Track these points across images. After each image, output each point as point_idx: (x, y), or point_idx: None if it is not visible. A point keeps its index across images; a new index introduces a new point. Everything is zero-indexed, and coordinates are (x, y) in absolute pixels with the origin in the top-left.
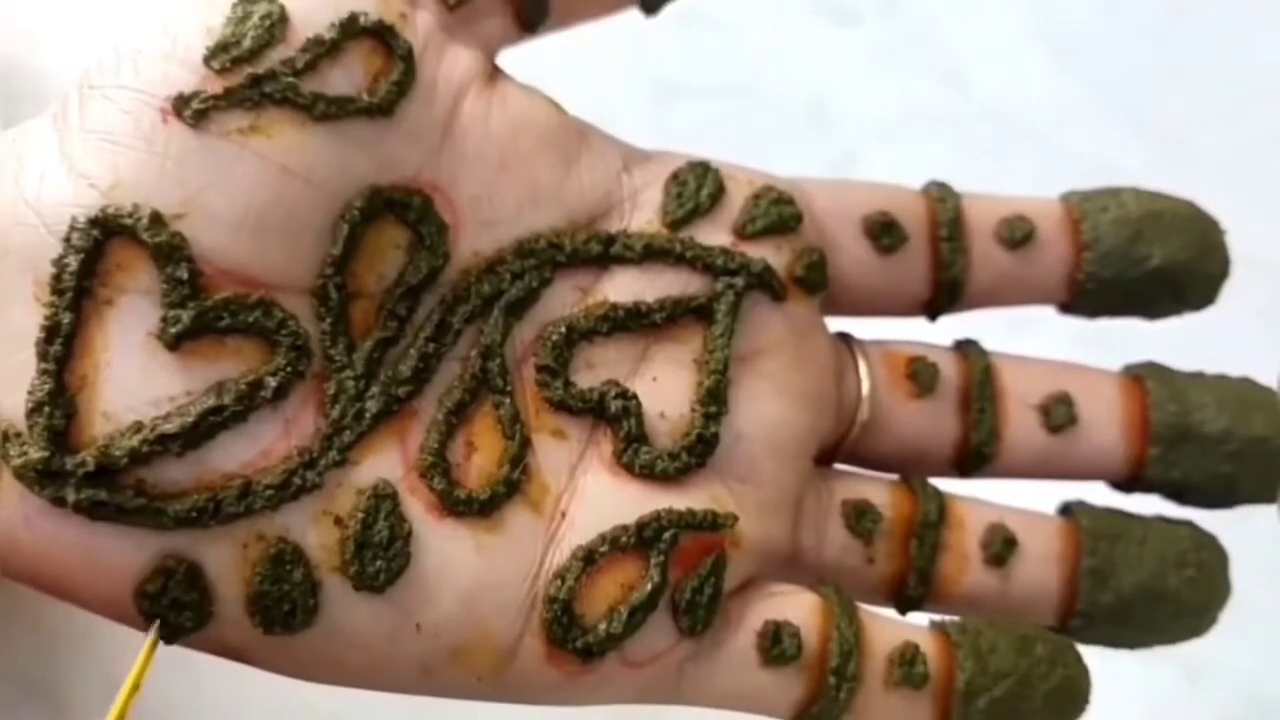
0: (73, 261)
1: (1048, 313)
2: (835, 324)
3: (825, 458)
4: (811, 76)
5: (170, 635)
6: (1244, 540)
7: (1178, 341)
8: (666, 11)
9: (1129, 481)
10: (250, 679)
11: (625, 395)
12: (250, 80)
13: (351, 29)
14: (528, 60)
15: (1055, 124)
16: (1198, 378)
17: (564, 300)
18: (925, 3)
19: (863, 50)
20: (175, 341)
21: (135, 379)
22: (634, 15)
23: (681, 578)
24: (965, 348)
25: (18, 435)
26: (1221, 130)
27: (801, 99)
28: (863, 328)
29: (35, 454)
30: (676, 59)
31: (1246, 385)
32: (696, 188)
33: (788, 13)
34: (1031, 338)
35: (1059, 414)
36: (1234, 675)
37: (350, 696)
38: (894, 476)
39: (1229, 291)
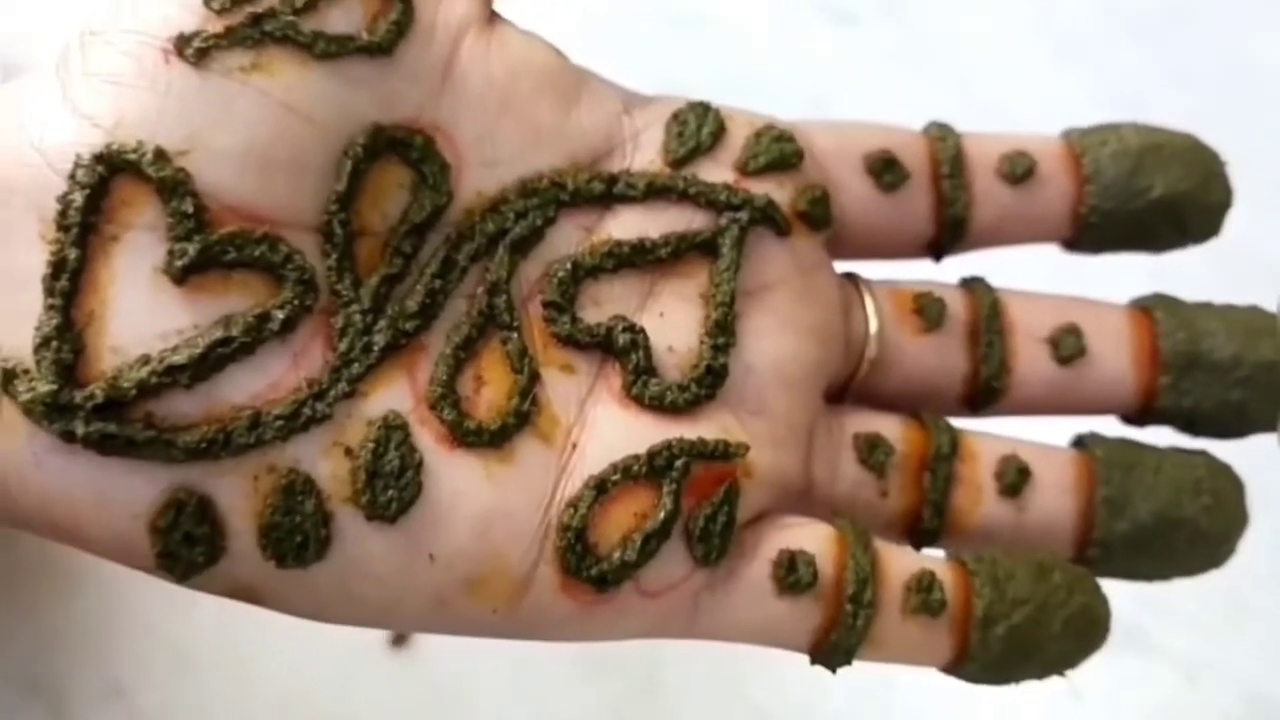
0: (78, 198)
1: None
2: (840, 268)
3: (835, 396)
4: (811, 76)
5: (183, 572)
6: (1243, 541)
7: None
8: (666, 11)
9: (1140, 413)
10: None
11: (633, 329)
12: (250, 19)
13: None
14: None
15: (1056, 124)
16: (1205, 306)
17: (569, 239)
18: (926, 3)
19: (863, 50)
20: (181, 275)
21: (142, 313)
22: (634, 15)
23: (694, 507)
24: (972, 284)
25: (25, 371)
26: (1221, 130)
27: (801, 99)
28: (869, 271)
29: (44, 388)
30: (676, 59)
31: (1253, 312)
32: (698, 126)
33: (788, 13)
34: None
35: (1068, 345)
36: (1234, 675)
37: (353, 696)
38: (905, 414)
39: (1232, 289)
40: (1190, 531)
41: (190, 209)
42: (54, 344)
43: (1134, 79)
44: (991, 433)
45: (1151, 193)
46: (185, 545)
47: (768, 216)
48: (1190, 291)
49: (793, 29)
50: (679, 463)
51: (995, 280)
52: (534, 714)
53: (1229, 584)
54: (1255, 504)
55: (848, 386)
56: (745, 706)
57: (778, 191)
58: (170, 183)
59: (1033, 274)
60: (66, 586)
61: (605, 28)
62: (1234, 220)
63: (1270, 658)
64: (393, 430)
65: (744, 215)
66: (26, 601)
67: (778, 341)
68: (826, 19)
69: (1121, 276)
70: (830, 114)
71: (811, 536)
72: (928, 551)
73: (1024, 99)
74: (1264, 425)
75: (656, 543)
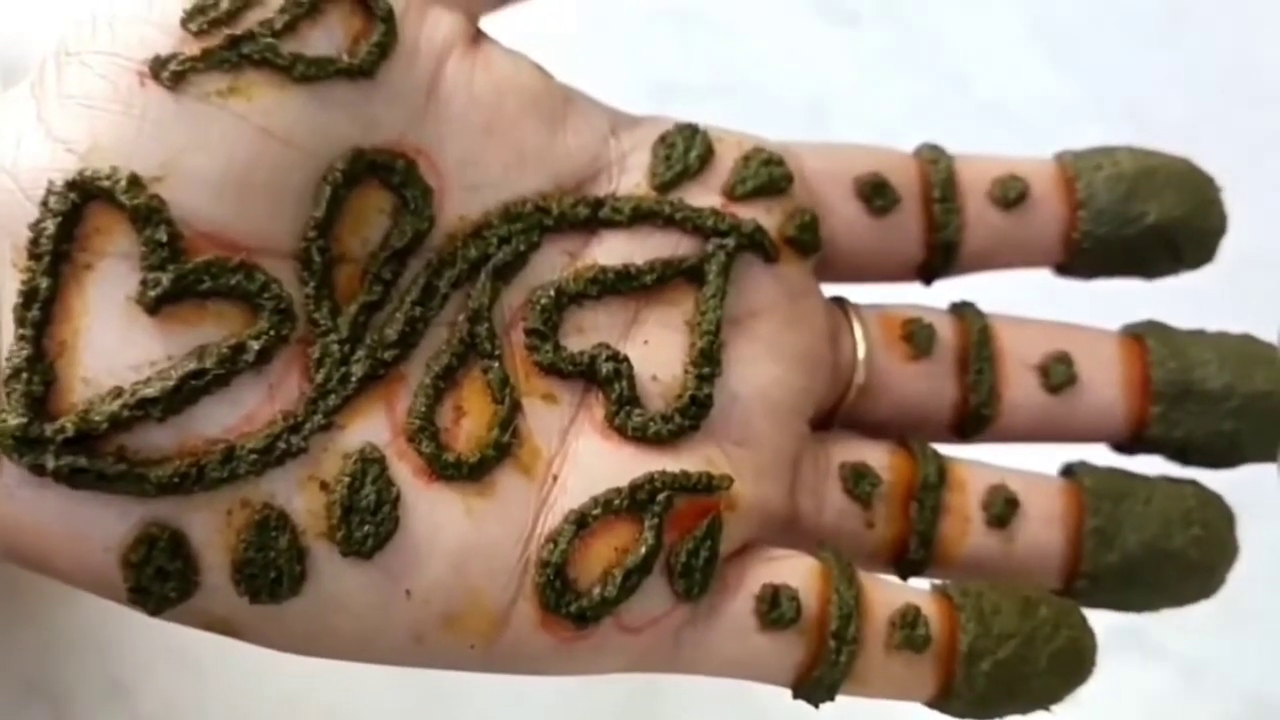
0: (50, 226)
1: (1042, 304)
2: (829, 290)
3: (822, 422)
4: (811, 76)
5: (155, 607)
6: (1243, 541)
7: None
8: (666, 11)
9: (1131, 442)
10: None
11: (616, 358)
12: (228, 41)
13: None
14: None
15: (1055, 124)
16: (1198, 335)
17: (552, 264)
18: (925, 3)
19: (862, 50)
20: (155, 305)
21: (115, 344)
22: (634, 15)
23: (676, 540)
24: (962, 309)
25: None
26: (1221, 130)
27: (801, 99)
28: (858, 295)
29: (13, 421)
30: (676, 59)
31: (1247, 341)
32: (685, 150)
33: (788, 13)
34: None
35: (1058, 373)
36: (1234, 675)
37: (353, 696)
38: (892, 441)
39: (1231, 290)
40: (1180, 563)
41: (164, 237)
42: (24, 375)
43: (1132, 79)
44: (980, 461)
45: (1146, 219)
46: (157, 580)
47: (755, 243)
48: (1187, 293)
49: (792, 29)
50: (661, 496)
51: (991, 287)
52: (534, 714)
53: (1229, 585)
54: (1254, 505)
55: (835, 412)
56: (747, 705)
57: (766, 216)
58: (144, 210)
59: (1031, 278)
60: (68, 588)
61: (605, 28)
62: (1232, 220)
63: (1270, 658)
64: (369, 464)
65: (731, 241)
66: (28, 603)
67: (764, 369)
68: (825, 19)
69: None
70: (829, 113)
71: (795, 570)
72: (914, 581)
73: (1022, 99)
74: (1257, 456)
75: (637, 578)
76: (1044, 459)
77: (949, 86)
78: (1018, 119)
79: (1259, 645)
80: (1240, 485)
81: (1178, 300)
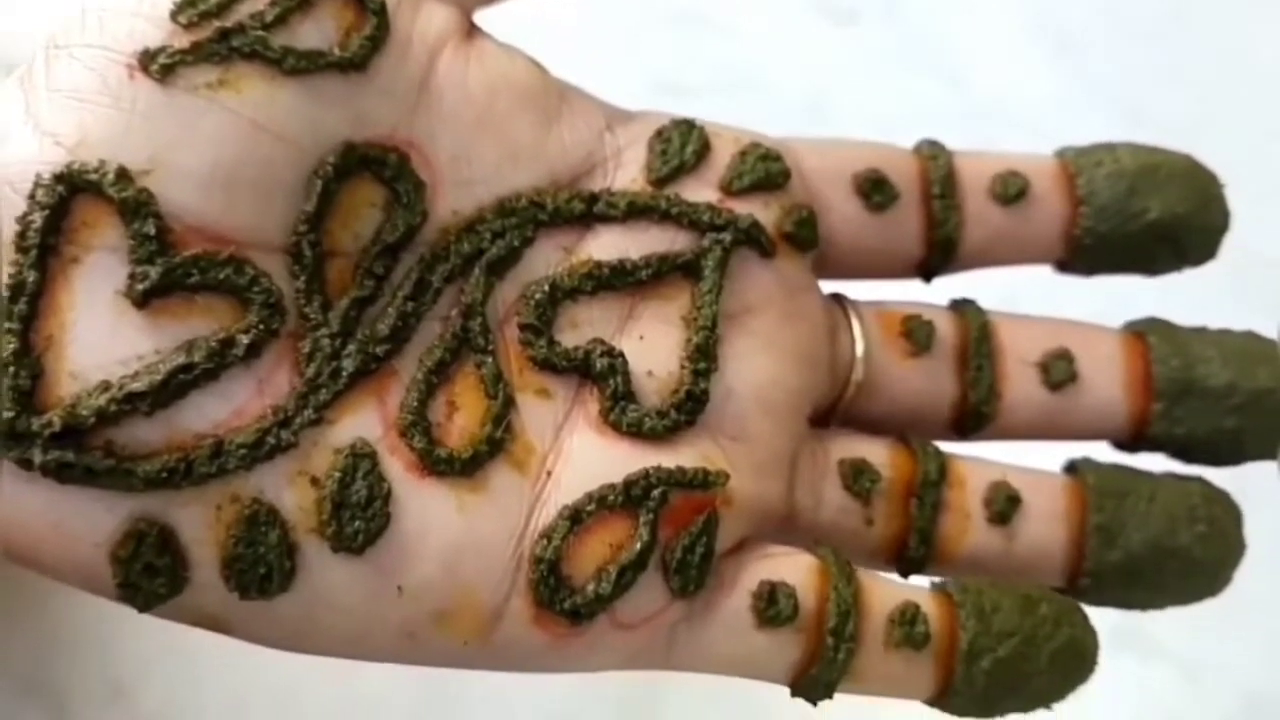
0: (37, 219)
1: (1044, 296)
2: (828, 288)
3: (821, 420)
4: (811, 76)
5: (144, 603)
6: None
7: None
8: (666, 11)
9: (1132, 440)
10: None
11: (611, 353)
12: (218, 34)
13: None
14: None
15: (1055, 124)
16: (1200, 332)
17: (547, 259)
18: (925, 2)
19: (863, 50)
20: (143, 299)
21: (103, 338)
22: (634, 15)
23: (672, 537)
24: (961, 306)
25: None
26: (1221, 130)
27: (801, 99)
28: (857, 291)
29: (0, 415)
30: (676, 59)
31: (1250, 338)
32: (681, 144)
33: (788, 13)
34: None
35: (1059, 371)
36: (1234, 675)
37: (354, 696)
38: (892, 438)
39: (1231, 289)
40: (1184, 561)
41: (153, 231)
42: (11, 369)
43: (1132, 78)
44: (981, 458)
45: (1147, 215)
46: (146, 576)
47: (752, 238)
48: (1187, 289)
49: (792, 28)
50: (656, 492)
51: (992, 279)
52: (535, 713)
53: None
54: (1254, 502)
55: (834, 410)
56: (748, 704)
57: (763, 212)
58: (132, 204)
59: (1035, 273)
60: (67, 587)
61: (605, 28)
62: (1233, 221)
63: (1270, 657)
64: (360, 459)
65: (727, 236)
66: (27, 602)
67: (761, 365)
68: (825, 18)
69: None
70: (829, 113)
71: (792, 567)
72: (913, 579)
73: (1022, 99)
74: (1259, 453)
75: (632, 575)
76: (1047, 457)
77: (949, 86)
78: (1018, 119)
79: (1259, 644)
80: (1239, 480)
81: (1177, 295)
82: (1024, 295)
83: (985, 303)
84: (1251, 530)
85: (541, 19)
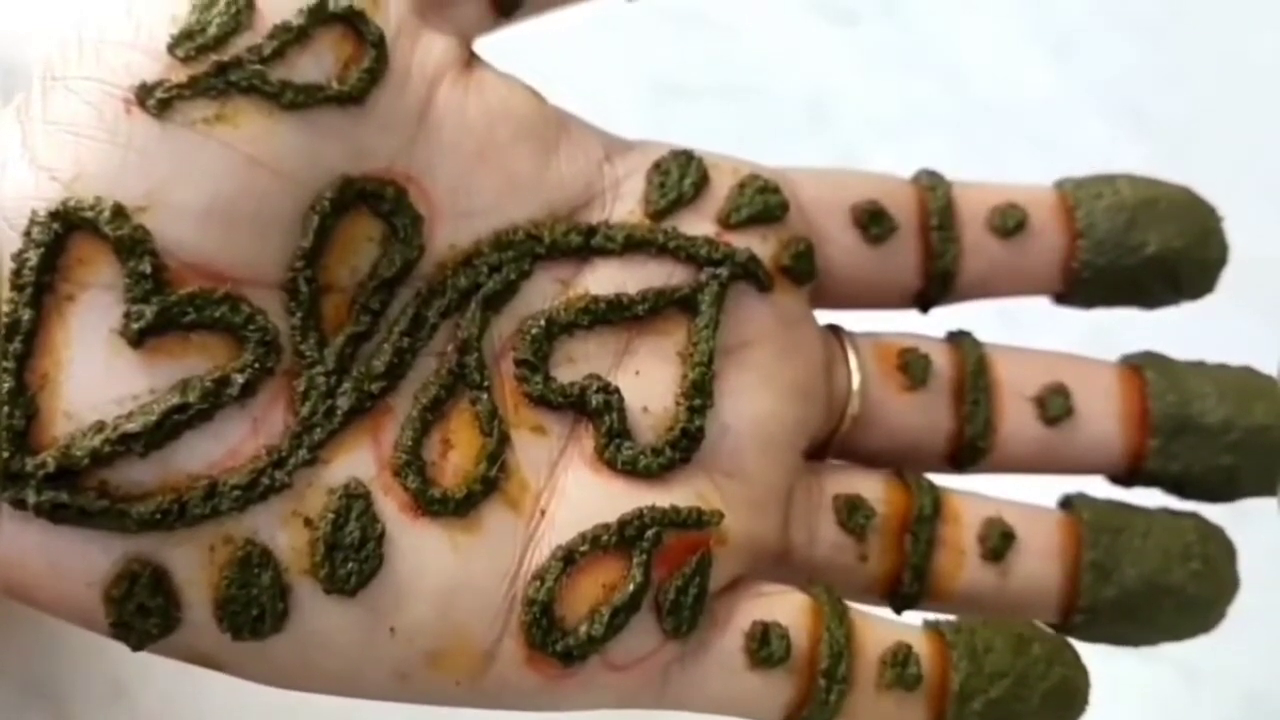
0: (33, 256)
1: (1044, 311)
2: (824, 317)
3: (816, 453)
4: (811, 76)
5: (137, 642)
6: (1243, 540)
7: (1177, 341)
8: (666, 11)
9: (1128, 475)
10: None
11: (607, 389)
12: (216, 68)
13: (320, 15)
14: (526, 60)
15: (1055, 124)
16: (1197, 367)
17: (544, 293)
18: (925, 2)
19: (863, 50)
20: (139, 338)
21: (98, 377)
22: (634, 15)
23: (665, 577)
24: (958, 339)
25: None
26: (1221, 130)
27: (801, 99)
28: (853, 321)
29: None
30: (676, 59)
31: (1247, 374)
32: (679, 177)
33: (788, 13)
34: (1028, 339)
35: (1055, 405)
36: (1234, 675)
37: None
38: (887, 471)
39: (1230, 290)
40: (1178, 598)
41: (148, 269)
42: (6, 409)
43: (1132, 78)
44: (976, 492)
45: (1146, 249)
46: (139, 616)
47: (749, 272)
48: None
49: (791, 28)
50: (650, 533)
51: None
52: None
53: None
54: (1254, 503)
55: (829, 443)
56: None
57: (760, 245)
58: (128, 242)
59: None
60: None
61: (605, 28)
62: (1231, 220)
63: (1270, 658)
64: (354, 500)
65: (724, 271)
66: None
67: (757, 400)
68: (826, 19)
69: None
70: (829, 113)
71: (785, 607)
72: (907, 614)
73: (1022, 99)
74: (1256, 490)
75: (625, 617)
76: (1041, 490)
77: (949, 86)
78: (1018, 119)
79: (1259, 645)
80: None
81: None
82: (1021, 305)
83: (983, 316)
84: (1251, 531)
85: (541, 21)
